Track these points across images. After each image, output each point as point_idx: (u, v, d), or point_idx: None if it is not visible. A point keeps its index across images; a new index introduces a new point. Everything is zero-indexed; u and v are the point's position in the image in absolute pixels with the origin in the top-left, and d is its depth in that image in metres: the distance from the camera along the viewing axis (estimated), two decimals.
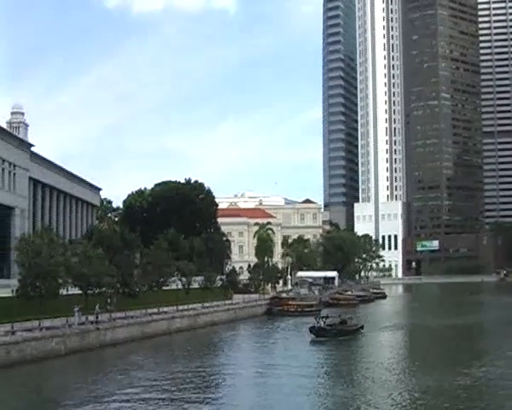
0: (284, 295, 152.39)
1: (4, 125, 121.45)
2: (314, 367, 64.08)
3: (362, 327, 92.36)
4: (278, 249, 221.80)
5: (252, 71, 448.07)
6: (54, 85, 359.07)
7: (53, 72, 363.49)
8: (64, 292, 79.81)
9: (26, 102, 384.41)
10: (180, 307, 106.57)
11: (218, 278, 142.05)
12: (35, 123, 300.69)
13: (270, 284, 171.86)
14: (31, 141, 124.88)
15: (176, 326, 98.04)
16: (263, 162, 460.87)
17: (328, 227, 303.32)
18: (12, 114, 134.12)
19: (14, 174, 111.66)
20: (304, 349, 78.57)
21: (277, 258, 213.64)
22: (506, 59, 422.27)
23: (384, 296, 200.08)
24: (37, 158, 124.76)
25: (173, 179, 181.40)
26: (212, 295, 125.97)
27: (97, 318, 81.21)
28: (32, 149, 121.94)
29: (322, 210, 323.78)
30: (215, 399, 49.02)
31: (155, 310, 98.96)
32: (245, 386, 55.54)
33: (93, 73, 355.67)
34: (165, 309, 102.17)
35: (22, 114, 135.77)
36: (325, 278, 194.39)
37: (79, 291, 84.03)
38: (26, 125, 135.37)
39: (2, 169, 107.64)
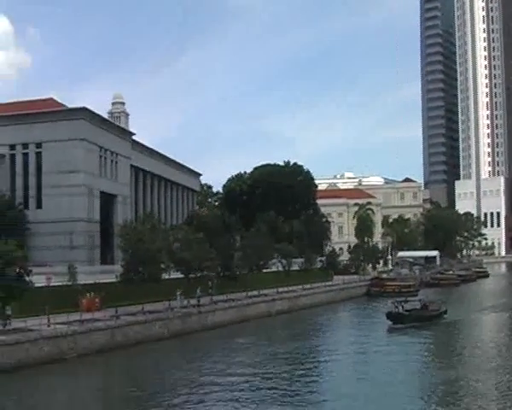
0: (385, 275, 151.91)
1: (106, 116, 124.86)
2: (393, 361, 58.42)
3: (445, 312, 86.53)
4: (378, 229, 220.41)
5: (349, 48, 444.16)
6: (150, 73, 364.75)
7: (149, 59, 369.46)
8: (166, 276, 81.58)
9: (126, 90, 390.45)
10: (280, 290, 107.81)
11: (318, 259, 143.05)
12: (135, 111, 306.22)
13: (370, 265, 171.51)
14: (131, 129, 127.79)
15: (276, 308, 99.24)
16: (361, 142, 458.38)
17: (428, 206, 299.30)
18: (113, 104, 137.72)
19: (117, 163, 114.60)
20: (380, 338, 74.04)
21: (377, 238, 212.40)
22: None
23: (486, 275, 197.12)
24: (137, 146, 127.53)
25: (272, 162, 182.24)
26: (311, 276, 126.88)
27: (199, 301, 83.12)
28: (133, 137, 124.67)
29: (423, 188, 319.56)
30: (311, 385, 49.70)
31: (256, 292, 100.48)
32: (339, 373, 55.12)
33: (189, 57, 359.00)
34: (266, 291, 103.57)
35: (123, 103, 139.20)
36: (426, 258, 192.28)
37: (181, 275, 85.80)
38: (127, 115, 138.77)
39: (105, 158, 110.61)
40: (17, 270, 58.48)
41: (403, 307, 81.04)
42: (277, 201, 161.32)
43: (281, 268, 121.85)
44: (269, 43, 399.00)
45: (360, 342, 70.74)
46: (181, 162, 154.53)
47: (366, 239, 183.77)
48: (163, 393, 45.98)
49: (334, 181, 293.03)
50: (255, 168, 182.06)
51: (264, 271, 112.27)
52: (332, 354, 62.90)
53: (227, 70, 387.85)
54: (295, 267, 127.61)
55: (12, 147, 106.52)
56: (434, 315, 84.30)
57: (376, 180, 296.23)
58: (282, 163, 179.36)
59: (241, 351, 64.58)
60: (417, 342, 70.59)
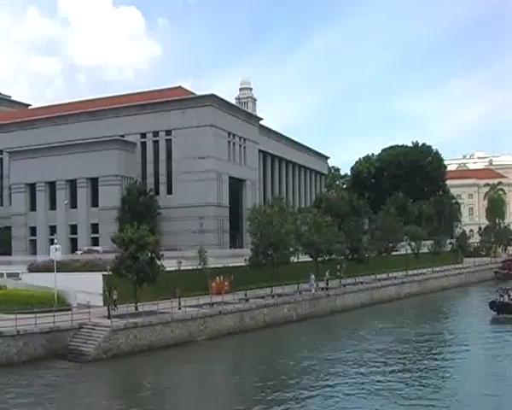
0: None
1: (234, 102, 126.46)
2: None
3: None
4: (510, 210, 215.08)
5: (479, 26, 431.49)
6: (279, 56, 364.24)
7: (279, 42, 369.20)
8: (294, 260, 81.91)
9: (254, 76, 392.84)
10: (409, 272, 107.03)
11: (448, 241, 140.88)
12: (263, 96, 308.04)
13: (501, 247, 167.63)
14: (259, 114, 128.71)
15: (405, 291, 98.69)
16: (492, 120, 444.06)
17: None
18: (240, 90, 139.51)
19: (245, 148, 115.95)
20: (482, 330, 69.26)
21: (509, 219, 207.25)
22: None
23: None
24: (265, 130, 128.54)
25: (400, 144, 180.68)
26: (441, 259, 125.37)
27: (327, 284, 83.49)
28: (261, 122, 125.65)
29: None
30: (438, 368, 49.15)
31: (384, 275, 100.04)
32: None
33: (318, 39, 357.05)
34: (394, 274, 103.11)
35: (250, 89, 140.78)
36: None
37: (309, 259, 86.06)
38: (254, 100, 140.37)
39: (233, 143, 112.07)
40: (149, 254, 60.09)
41: (509, 295, 74.88)
42: (406, 182, 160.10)
43: (410, 251, 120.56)
44: (403, 24, 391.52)
45: (463, 333, 67.65)
46: (308, 146, 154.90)
47: (497, 221, 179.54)
48: (293, 376, 46.40)
49: (464, 161, 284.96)
50: (383, 150, 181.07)
51: (393, 253, 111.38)
52: (454, 342, 61.71)
53: (361, 50, 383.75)
54: (424, 250, 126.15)
55: (143, 135, 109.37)
56: None
57: (508, 159, 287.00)
58: (410, 144, 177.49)
59: (370, 334, 64.43)
60: None
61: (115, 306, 59.94)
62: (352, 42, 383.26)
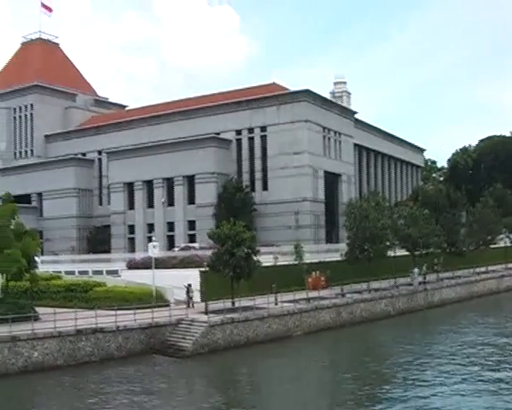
0: None
1: (328, 96, 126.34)
2: None
3: None
4: None
5: None
6: (363, 48, 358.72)
7: (362, 33, 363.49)
8: (391, 254, 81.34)
9: (347, 69, 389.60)
10: (509, 265, 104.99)
11: None
12: (356, 89, 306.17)
13: None
14: (353, 108, 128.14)
15: (505, 285, 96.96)
16: None
17: None
18: (335, 84, 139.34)
19: (340, 142, 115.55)
20: None
21: None
22: None
23: None
24: (360, 124, 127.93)
25: (498, 134, 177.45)
26: None
27: (425, 278, 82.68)
28: (355, 115, 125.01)
29: None
30: None
31: (483, 269, 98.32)
32: None
33: (404, 28, 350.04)
34: (493, 268, 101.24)
35: (344, 83, 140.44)
36: None
37: (405, 253, 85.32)
38: (349, 94, 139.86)
39: (328, 138, 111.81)
40: (245, 250, 60.46)
41: None
42: (504, 173, 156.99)
43: (509, 243, 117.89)
44: (492, 8, 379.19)
45: None
46: (403, 138, 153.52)
47: None
48: (393, 372, 45.92)
49: None
50: (481, 141, 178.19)
51: (492, 246, 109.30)
52: None
53: (449, 37, 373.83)
54: None
55: (238, 132, 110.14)
56: None
57: None
58: (509, 134, 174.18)
59: (471, 329, 63.28)
60: None
61: (192, 303, 60.94)
62: (439, 30, 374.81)
